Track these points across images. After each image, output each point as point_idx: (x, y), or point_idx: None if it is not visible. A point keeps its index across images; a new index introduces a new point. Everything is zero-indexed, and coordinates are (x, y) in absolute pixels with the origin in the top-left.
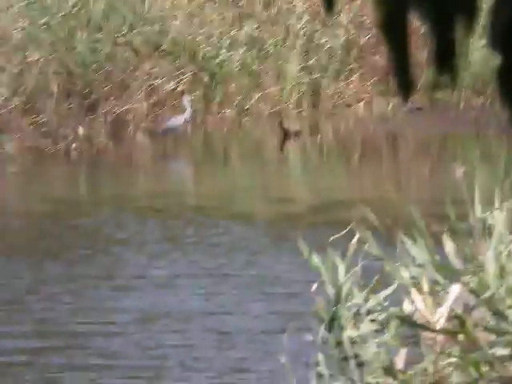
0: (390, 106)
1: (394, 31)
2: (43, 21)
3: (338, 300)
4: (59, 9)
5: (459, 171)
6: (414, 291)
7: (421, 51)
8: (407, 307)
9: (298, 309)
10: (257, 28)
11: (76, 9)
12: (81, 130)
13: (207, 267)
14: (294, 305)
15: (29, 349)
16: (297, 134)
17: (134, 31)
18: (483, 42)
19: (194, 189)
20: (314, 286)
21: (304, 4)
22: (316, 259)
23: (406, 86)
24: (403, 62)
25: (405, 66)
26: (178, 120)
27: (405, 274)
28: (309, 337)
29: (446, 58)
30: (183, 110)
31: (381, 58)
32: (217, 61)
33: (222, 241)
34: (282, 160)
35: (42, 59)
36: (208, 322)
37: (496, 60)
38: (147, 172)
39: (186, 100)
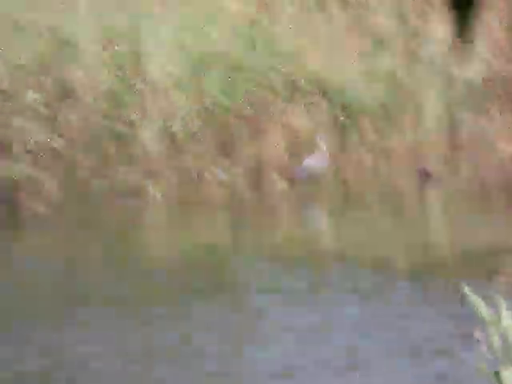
0: None
1: None
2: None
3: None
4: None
5: None
6: None
7: None
8: None
9: (450, 369)
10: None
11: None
12: (221, 175)
13: (348, 318)
14: (444, 364)
15: None
16: (436, 176)
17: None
18: None
19: (332, 236)
20: (477, 335)
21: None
22: (484, 309)
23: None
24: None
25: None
26: (317, 160)
27: None
28: None
29: None
30: (318, 150)
31: None
32: (353, 98)
33: (361, 289)
34: (421, 205)
35: (186, 104)
36: (350, 376)
37: None
38: (285, 219)
39: (320, 139)
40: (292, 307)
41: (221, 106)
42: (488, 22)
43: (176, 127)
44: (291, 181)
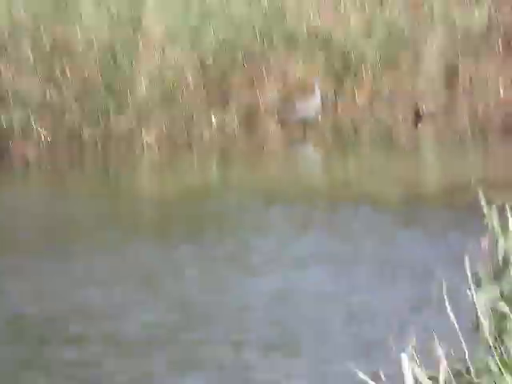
0: None
1: None
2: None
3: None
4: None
5: None
6: None
7: None
8: None
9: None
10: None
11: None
12: (213, 119)
13: (335, 251)
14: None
15: (168, 324)
16: (432, 115)
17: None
18: None
19: (323, 174)
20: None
21: None
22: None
23: None
24: None
25: None
26: (309, 105)
27: None
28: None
29: None
30: (313, 94)
31: None
32: (352, 47)
33: (350, 224)
34: (415, 143)
35: (179, 55)
36: (338, 303)
37: None
38: (277, 159)
39: (316, 83)
40: (280, 241)
41: (218, 56)
42: None
43: (169, 77)
44: (284, 122)
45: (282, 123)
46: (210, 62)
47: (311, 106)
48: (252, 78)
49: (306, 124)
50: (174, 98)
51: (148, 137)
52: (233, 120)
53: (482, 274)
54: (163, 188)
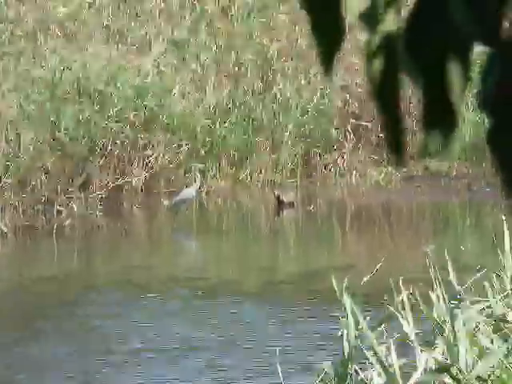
0: (383, 175)
1: (385, 91)
2: (34, 97)
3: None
4: (47, 82)
5: (428, 249)
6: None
7: (411, 119)
8: None
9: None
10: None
11: (62, 79)
12: (75, 207)
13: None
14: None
15: None
16: (291, 204)
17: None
18: (475, 110)
19: (185, 261)
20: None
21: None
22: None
23: (398, 149)
24: (395, 123)
25: (396, 127)
26: (189, 192)
27: None
28: None
29: (438, 120)
30: (193, 181)
31: (374, 126)
32: (212, 132)
33: (209, 312)
34: (274, 231)
35: (34, 136)
36: None
37: (488, 122)
38: (144, 247)
39: (197, 169)
40: (138, 333)
41: (74, 139)
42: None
43: (24, 160)
44: (149, 210)
45: (146, 208)
46: (66, 144)
47: (192, 189)
48: (115, 163)
49: (179, 208)
50: (30, 183)
51: (3, 224)
52: (95, 205)
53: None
54: (20, 281)
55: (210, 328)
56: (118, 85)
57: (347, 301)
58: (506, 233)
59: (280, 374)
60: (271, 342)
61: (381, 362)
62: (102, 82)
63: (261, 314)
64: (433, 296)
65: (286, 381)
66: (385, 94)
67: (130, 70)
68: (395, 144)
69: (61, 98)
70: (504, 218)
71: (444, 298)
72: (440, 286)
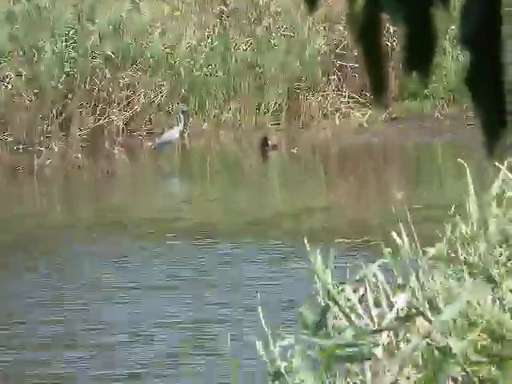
0: (367, 116)
1: (367, 32)
2: (10, 31)
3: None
4: (26, 19)
5: (399, 195)
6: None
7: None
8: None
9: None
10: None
11: (42, 17)
12: (55, 147)
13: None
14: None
15: None
16: (274, 146)
17: (109, 44)
18: (457, 52)
19: (165, 202)
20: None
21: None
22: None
23: (380, 89)
24: (377, 62)
25: (379, 68)
26: (173, 133)
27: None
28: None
29: (419, 56)
30: (176, 122)
31: (358, 68)
32: (194, 73)
33: (186, 252)
34: (257, 173)
35: (12, 74)
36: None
37: (467, 60)
38: (125, 187)
39: (181, 110)
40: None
41: (52, 76)
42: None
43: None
44: (130, 150)
45: (128, 149)
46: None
47: (176, 130)
48: (95, 103)
49: (162, 150)
50: (10, 122)
51: None
52: (76, 146)
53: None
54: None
55: (185, 267)
56: (96, 20)
57: (318, 258)
58: (469, 177)
59: (260, 312)
60: (249, 281)
61: (351, 309)
62: (76, 17)
63: (239, 254)
64: (399, 241)
65: (267, 319)
66: (367, 34)
67: (107, 5)
68: (377, 85)
69: (36, 34)
70: (462, 161)
71: (413, 243)
72: (410, 232)
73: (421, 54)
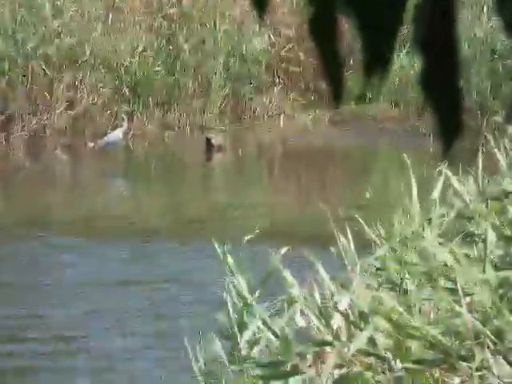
0: (311, 118)
1: (323, 31)
2: None
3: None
4: None
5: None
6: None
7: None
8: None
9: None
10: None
11: None
12: None
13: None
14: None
15: None
16: (220, 147)
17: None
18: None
19: (106, 203)
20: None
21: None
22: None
23: (336, 86)
24: (332, 59)
25: (335, 65)
26: (116, 134)
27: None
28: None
29: (375, 61)
30: (120, 123)
31: (303, 70)
32: (138, 73)
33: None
34: (202, 174)
35: None
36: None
37: (419, 64)
38: (66, 188)
39: (123, 113)
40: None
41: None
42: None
43: None
44: (73, 152)
45: (70, 150)
46: None
47: (118, 132)
48: (37, 103)
49: (105, 151)
50: None
51: None
52: (17, 145)
53: None
54: None
55: (118, 264)
56: (33, 19)
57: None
58: (413, 181)
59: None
60: (183, 277)
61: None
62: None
63: (175, 251)
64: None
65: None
66: (322, 30)
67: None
68: (333, 80)
69: None
70: (406, 158)
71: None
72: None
73: (375, 57)
